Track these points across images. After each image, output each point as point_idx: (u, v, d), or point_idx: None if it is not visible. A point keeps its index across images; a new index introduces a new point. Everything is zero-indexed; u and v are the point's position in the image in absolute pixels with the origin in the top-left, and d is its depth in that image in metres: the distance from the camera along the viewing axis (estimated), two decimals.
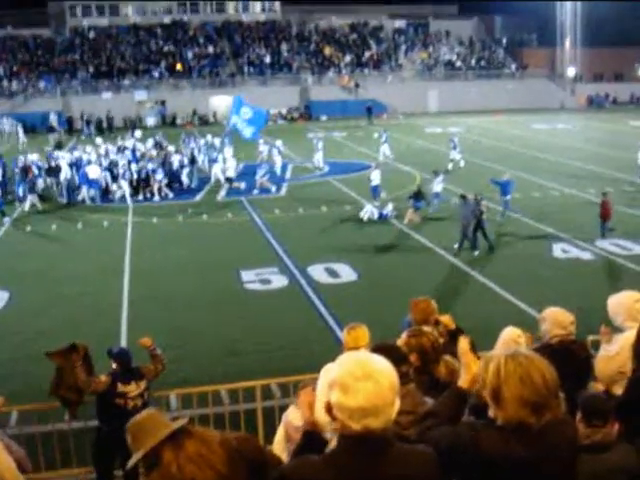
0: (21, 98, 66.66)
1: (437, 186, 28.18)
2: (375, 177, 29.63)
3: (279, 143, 38.81)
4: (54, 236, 26.78)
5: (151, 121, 66.46)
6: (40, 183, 33.70)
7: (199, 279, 20.76)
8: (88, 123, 61.67)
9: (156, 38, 77.25)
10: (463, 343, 4.23)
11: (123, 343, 15.30)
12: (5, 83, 68.85)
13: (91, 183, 32.55)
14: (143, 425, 3.69)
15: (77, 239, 26.25)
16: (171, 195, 33.03)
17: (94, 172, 32.78)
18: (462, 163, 37.76)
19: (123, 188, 32.74)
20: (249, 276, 20.69)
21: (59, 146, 40.17)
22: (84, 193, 32.56)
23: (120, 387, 9.25)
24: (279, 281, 20.25)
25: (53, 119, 61.00)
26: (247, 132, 32.82)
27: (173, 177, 34.68)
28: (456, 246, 22.56)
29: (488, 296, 18.60)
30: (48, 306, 18.77)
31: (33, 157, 35.31)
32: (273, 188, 33.43)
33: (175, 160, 35.35)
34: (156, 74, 70.95)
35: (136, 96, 67.20)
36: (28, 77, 69.66)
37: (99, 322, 17.17)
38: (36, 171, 33.40)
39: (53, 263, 23.07)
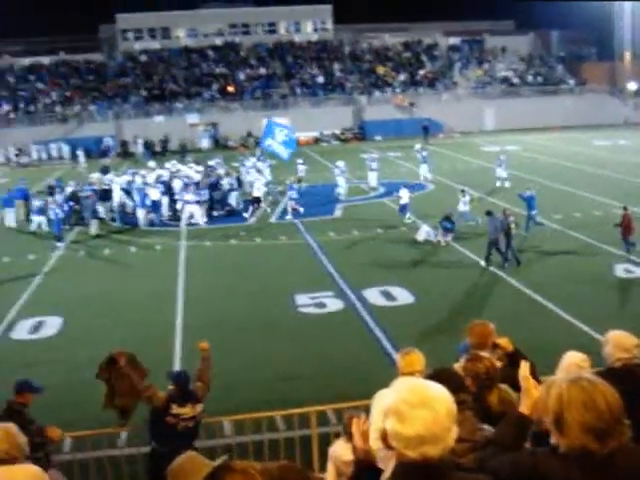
0: (74, 123, 68.13)
1: (464, 206, 28.91)
2: (404, 195, 30.57)
3: (341, 164, 38.83)
4: (107, 261, 27.17)
5: (204, 144, 67.28)
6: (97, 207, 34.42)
7: (252, 303, 20.83)
8: (144, 146, 62.80)
9: (208, 60, 78.33)
10: (523, 368, 4.16)
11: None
12: (58, 108, 70.41)
13: (151, 206, 33.06)
14: (183, 467, 3.72)
15: (130, 263, 26.56)
16: (204, 220, 33.08)
17: (153, 195, 33.34)
18: (507, 183, 37.35)
19: (180, 211, 33.33)
20: (303, 300, 20.71)
21: (105, 170, 40.77)
22: (141, 216, 33.14)
23: (175, 408, 9.33)
24: (334, 305, 20.22)
25: (107, 143, 62.27)
26: (284, 153, 33.44)
27: (221, 201, 35.11)
28: (483, 263, 23.39)
29: (549, 317, 18.32)
30: (101, 332, 19.01)
31: (92, 180, 36.42)
32: (301, 209, 33.53)
33: (225, 183, 35.76)
34: (208, 96, 71.89)
35: (188, 119, 68.10)
36: (81, 102, 71.16)
37: (152, 348, 17.21)
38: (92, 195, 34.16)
39: (106, 288, 23.38)
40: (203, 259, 26.63)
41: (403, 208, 30.55)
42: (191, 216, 32.67)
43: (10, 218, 34.15)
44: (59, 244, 29.64)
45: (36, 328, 19.74)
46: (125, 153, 63.76)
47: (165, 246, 28.87)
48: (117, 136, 65.98)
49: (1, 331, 19.71)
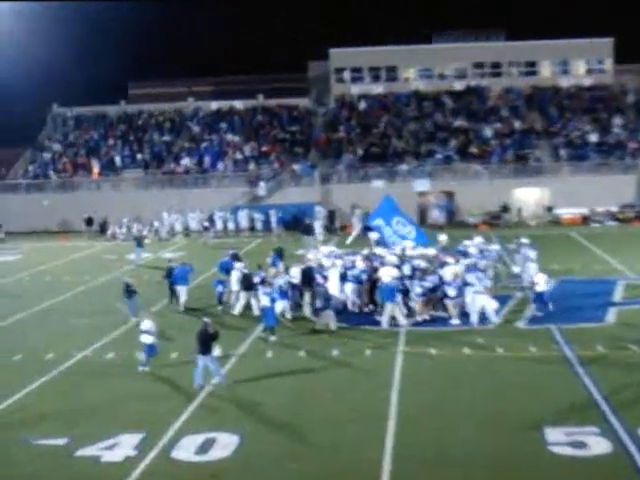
0: (269, 185, 71.17)
1: None
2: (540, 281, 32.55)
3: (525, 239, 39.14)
4: (302, 365, 27.79)
5: (435, 217, 68.06)
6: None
7: (485, 435, 20.56)
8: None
9: (444, 109, 79.71)
10: None
11: None
12: (252, 166, 73.85)
13: (389, 293, 33.49)
14: None
15: (330, 370, 27.08)
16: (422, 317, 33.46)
17: (390, 273, 33.85)
18: None
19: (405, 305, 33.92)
20: (556, 436, 20.20)
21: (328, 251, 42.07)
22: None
23: None
24: (599, 446, 19.54)
25: (318, 214, 64.59)
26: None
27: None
28: None
29: None
30: (288, 458, 19.29)
31: (308, 258, 38.51)
32: (539, 314, 33.49)
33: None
34: (442, 157, 72.74)
35: (416, 186, 69.20)
36: (279, 158, 74.30)
37: None
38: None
39: (299, 401, 23.88)
40: (425, 370, 26.74)
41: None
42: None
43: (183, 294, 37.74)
44: (272, 338, 30.85)
45: (204, 447, 20.31)
46: (331, 226, 65.99)
47: (377, 350, 29.32)
48: (324, 204, 68.44)
49: (160, 447, 20.48)
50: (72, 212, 72.82)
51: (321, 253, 39.93)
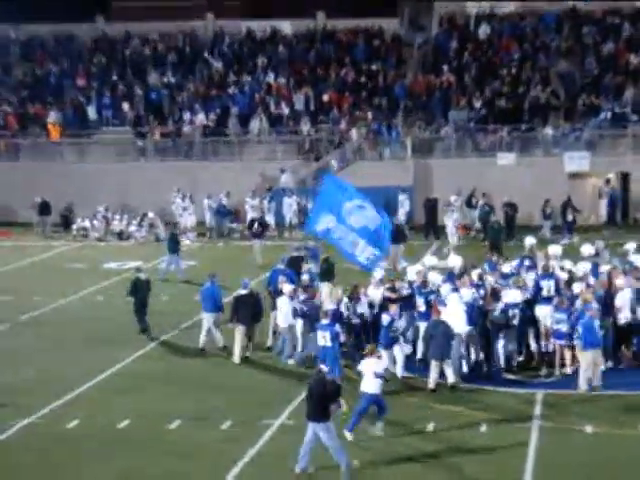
0: (334, 157, 72.01)
1: None
2: None
3: None
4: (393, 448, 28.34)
5: (601, 213, 67.81)
6: None
7: None
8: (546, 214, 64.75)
9: (617, 38, 78.88)
10: None
11: None
12: (305, 126, 74.00)
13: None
14: None
15: (426, 455, 27.62)
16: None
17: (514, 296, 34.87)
18: None
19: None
20: None
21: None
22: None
23: None
24: None
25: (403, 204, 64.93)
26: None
27: None
28: None
29: None
30: None
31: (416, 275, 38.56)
32: None
33: None
34: (610, 116, 71.80)
35: (568, 163, 68.73)
36: (350, 117, 74.42)
37: None
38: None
39: None
40: (574, 456, 27.04)
41: None
42: None
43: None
44: (378, 426, 30.33)
45: None
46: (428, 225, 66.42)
47: (497, 424, 29.81)
48: (417, 188, 69.24)
49: None
50: (15, 193, 72.79)
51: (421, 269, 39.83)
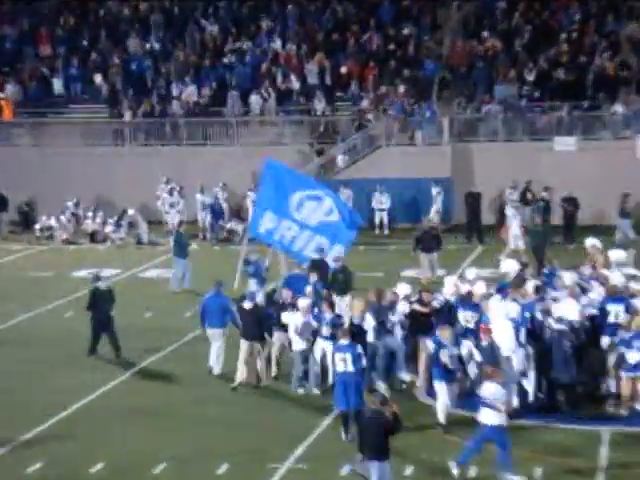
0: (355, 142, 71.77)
1: None
2: None
3: None
4: None
5: None
6: None
7: None
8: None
9: None
10: None
11: None
12: (319, 104, 73.90)
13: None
14: None
15: None
16: None
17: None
18: None
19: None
20: None
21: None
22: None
23: None
24: None
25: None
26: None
27: None
28: None
29: None
30: None
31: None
32: None
33: None
34: None
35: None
36: (374, 93, 74.37)
37: None
38: None
39: None
40: None
41: None
42: None
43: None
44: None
45: None
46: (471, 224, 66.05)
47: (555, 468, 29.37)
48: (456, 180, 69.15)
49: None
50: None
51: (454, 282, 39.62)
